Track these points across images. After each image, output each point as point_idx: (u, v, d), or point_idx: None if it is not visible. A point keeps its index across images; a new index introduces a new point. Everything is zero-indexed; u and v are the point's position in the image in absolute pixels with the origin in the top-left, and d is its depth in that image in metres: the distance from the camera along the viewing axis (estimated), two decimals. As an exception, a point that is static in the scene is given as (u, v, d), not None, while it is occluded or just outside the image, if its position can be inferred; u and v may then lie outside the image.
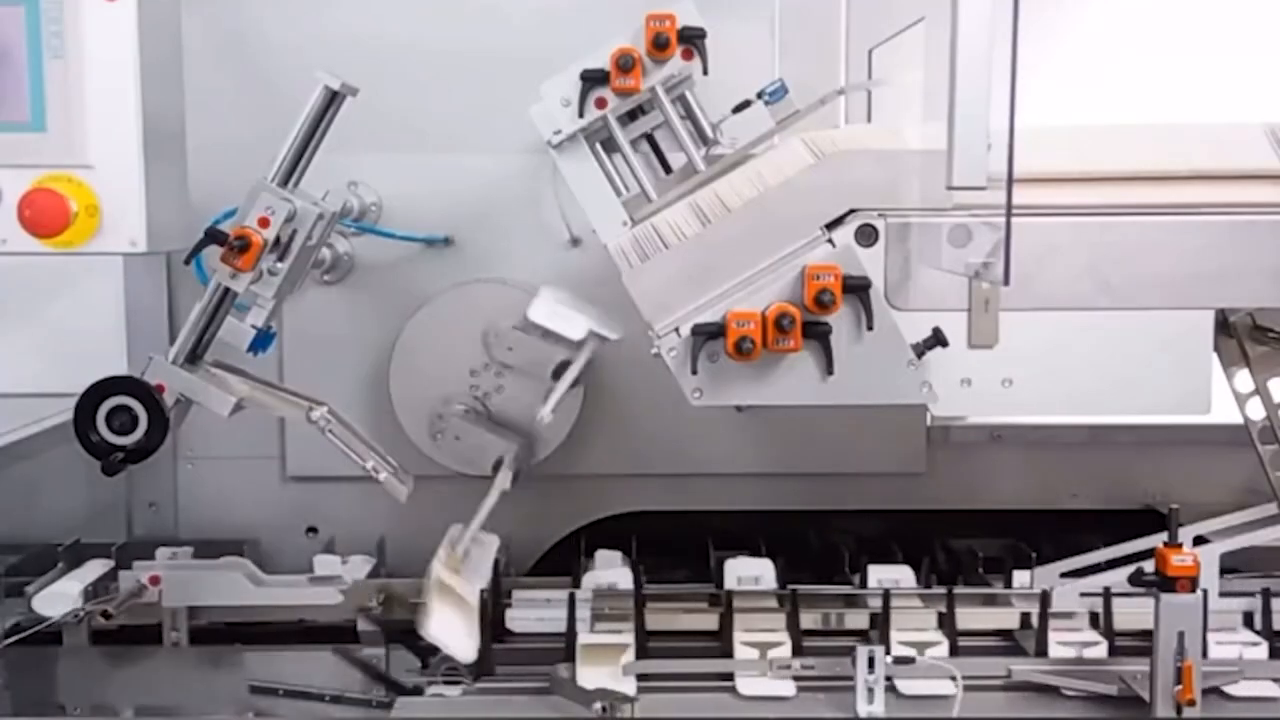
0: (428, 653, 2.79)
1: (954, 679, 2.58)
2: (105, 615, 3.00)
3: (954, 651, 2.75)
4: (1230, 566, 2.88)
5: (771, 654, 2.71)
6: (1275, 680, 2.65)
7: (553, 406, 2.75)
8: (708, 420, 3.36)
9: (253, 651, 3.06)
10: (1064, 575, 2.99)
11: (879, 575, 3.05)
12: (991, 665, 2.69)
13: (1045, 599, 2.80)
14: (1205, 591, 2.50)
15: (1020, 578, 3.05)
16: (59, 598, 2.99)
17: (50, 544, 3.20)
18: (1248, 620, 2.87)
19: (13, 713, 2.86)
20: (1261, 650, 2.76)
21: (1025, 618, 2.91)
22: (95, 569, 3.14)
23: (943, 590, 2.91)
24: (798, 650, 2.74)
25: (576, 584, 3.06)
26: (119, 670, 3.07)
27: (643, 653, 2.74)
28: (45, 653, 3.02)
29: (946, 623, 2.84)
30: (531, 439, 3.23)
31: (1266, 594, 2.83)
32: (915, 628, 2.83)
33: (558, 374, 2.88)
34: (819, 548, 3.45)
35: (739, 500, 3.48)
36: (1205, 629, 2.55)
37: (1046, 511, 3.53)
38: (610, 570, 3.11)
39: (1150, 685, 2.47)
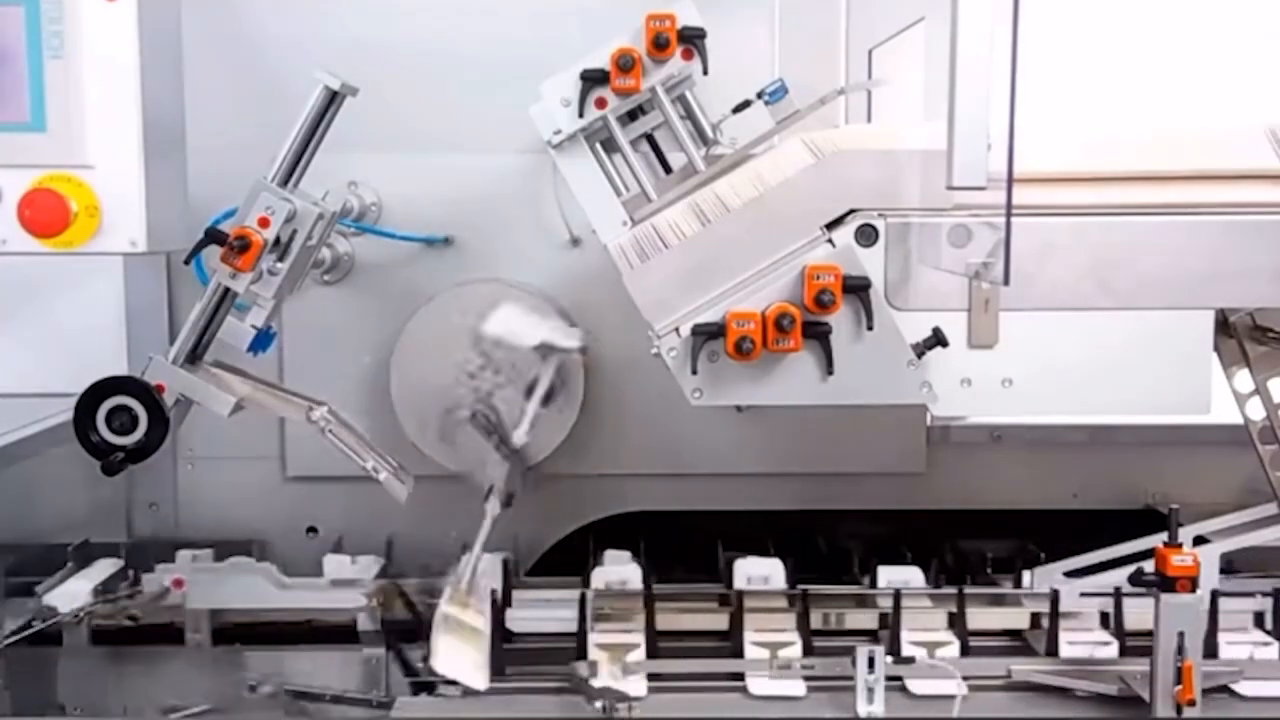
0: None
1: (957, 679, 2.58)
2: (132, 618, 3.01)
3: (965, 651, 2.75)
4: (1231, 567, 2.88)
5: (782, 654, 2.71)
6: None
7: (528, 426, 2.72)
8: (708, 420, 3.36)
9: (254, 651, 3.05)
10: (1065, 575, 2.98)
11: (889, 576, 3.04)
12: (992, 665, 2.70)
13: (1055, 599, 2.80)
14: (1214, 592, 2.50)
15: (1021, 578, 3.05)
16: (71, 595, 3.00)
17: (50, 544, 3.20)
18: (1258, 620, 2.87)
19: (13, 713, 2.86)
20: (1272, 650, 2.76)
21: (1035, 618, 2.91)
22: (105, 568, 3.14)
23: (953, 590, 2.91)
24: (809, 650, 2.74)
25: (586, 584, 3.04)
26: (120, 670, 3.06)
27: (653, 652, 2.74)
28: (45, 653, 3.02)
29: (957, 623, 2.84)
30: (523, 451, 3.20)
31: (1277, 594, 2.84)
32: (925, 628, 2.84)
33: (529, 392, 2.85)
34: (823, 548, 3.45)
35: (738, 500, 3.48)
36: (1216, 629, 2.55)
37: (1046, 512, 3.52)
38: (619, 568, 3.10)
39: (1150, 685, 2.47)
